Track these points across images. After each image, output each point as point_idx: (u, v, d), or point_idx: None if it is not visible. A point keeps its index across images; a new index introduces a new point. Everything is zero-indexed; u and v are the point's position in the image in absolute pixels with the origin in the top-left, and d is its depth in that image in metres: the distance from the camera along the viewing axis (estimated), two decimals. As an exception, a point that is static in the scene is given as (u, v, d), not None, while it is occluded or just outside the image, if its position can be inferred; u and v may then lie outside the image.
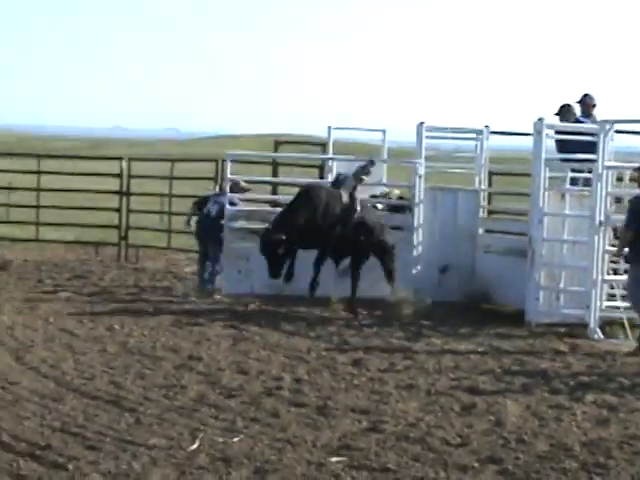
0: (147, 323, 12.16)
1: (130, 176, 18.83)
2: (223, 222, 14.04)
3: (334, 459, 7.05)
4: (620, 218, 11.89)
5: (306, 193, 13.39)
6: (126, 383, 9.11)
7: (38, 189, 19.15)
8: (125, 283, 15.49)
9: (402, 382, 9.44)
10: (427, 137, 14.51)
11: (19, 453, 6.91)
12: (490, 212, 15.48)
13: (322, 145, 17.11)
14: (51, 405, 8.23)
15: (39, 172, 19.33)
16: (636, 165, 12.04)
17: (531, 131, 12.96)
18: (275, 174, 17.47)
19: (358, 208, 13.39)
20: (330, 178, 14.52)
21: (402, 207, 14.76)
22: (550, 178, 13.01)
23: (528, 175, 13.28)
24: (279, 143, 18.52)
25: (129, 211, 18.81)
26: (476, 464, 7.01)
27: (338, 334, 11.86)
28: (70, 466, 6.66)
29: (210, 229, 14.26)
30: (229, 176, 14.23)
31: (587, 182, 12.88)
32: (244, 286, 14.00)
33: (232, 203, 14.22)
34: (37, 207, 19.05)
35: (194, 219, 14.99)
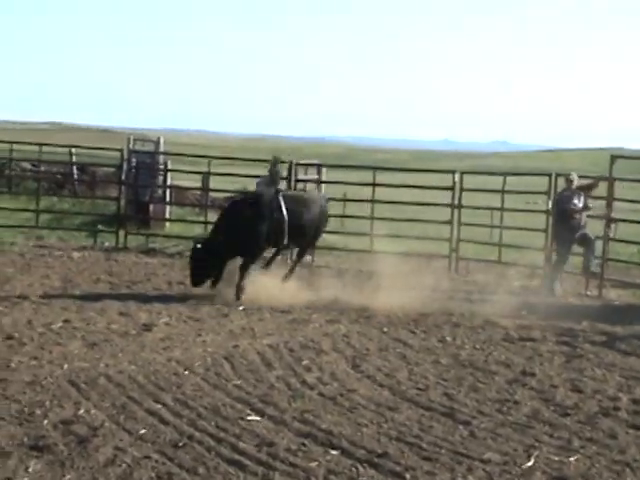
0: (479, 337, 12.18)
1: (462, 189, 18.96)
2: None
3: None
4: None
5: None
6: (459, 396, 9.16)
7: (373, 201, 19.62)
8: (456, 295, 15.57)
9: None
10: None
11: (358, 459, 7.10)
12: None
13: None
14: (387, 414, 8.40)
15: (374, 184, 19.81)
16: None
17: None
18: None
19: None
20: None
21: None
22: None
23: None
24: (615, 157, 17.95)
25: (460, 224, 18.93)
26: None
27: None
28: (407, 475, 6.77)
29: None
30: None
31: None
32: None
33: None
34: (371, 219, 19.52)
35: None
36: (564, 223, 16.05)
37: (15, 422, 7.55)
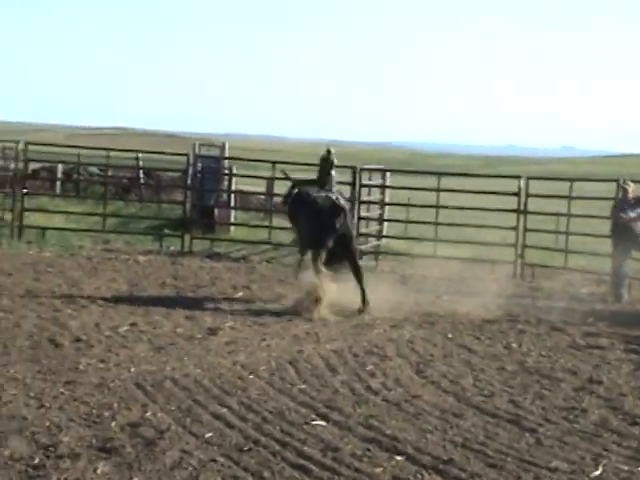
0: (545, 344, 12.08)
1: (528, 195, 18.84)
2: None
3: None
4: None
5: None
6: (525, 403, 9.08)
7: (437, 206, 19.57)
8: (521, 302, 15.45)
9: None
10: None
11: (423, 466, 7.06)
12: None
13: None
14: (452, 420, 8.35)
15: (438, 190, 19.75)
16: None
17: None
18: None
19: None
20: None
21: None
22: None
23: None
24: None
25: (526, 230, 18.80)
26: None
27: None
28: (473, 482, 6.73)
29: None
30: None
31: None
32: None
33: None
34: (436, 224, 19.47)
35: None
36: (620, 231, 15.88)
37: (84, 424, 7.65)
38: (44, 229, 20.46)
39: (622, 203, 16.13)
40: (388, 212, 22.35)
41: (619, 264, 15.96)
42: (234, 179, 23.15)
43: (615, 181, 17.22)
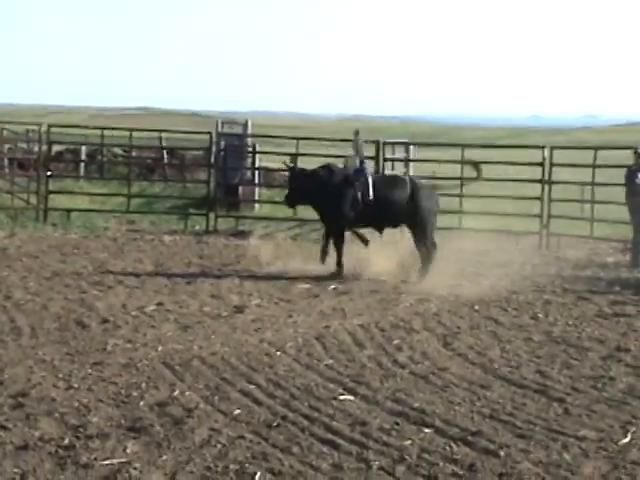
0: (571, 313, 12.05)
1: (552, 164, 18.74)
2: None
3: None
4: None
5: None
6: (552, 373, 9.07)
7: (461, 178, 19.47)
8: (547, 272, 15.40)
9: None
10: None
11: (451, 438, 7.07)
12: None
13: None
14: (479, 392, 8.35)
15: (462, 162, 19.65)
16: None
17: None
18: None
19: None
20: None
21: None
22: None
23: None
24: None
25: (551, 200, 18.71)
26: None
27: None
28: (502, 453, 6.72)
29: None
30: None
31: None
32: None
33: None
34: (460, 196, 19.38)
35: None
36: (634, 197, 15.78)
37: (112, 404, 7.70)
38: (69, 211, 20.55)
39: (634, 168, 16.07)
40: (412, 185, 22.21)
41: (636, 231, 15.89)
42: (257, 156, 23.15)
43: (634, 149, 17.08)
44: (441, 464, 6.51)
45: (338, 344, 10.06)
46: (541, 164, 18.84)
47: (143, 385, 8.25)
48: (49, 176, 20.93)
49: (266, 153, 23.91)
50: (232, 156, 21.93)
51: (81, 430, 7.00)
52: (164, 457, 6.54)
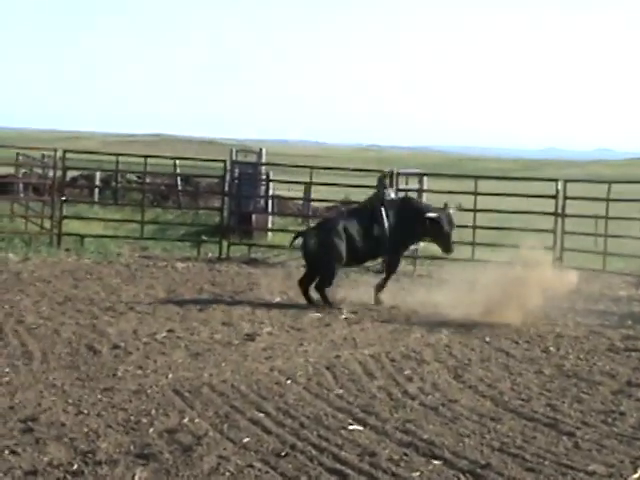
0: (582, 346, 12.01)
1: (565, 197, 18.75)
2: None
3: None
4: None
5: None
6: (563, 406, 9.03)
7: (475, 210, 19.49)
8: (559, 305, 15.31)
9: None
10: None
11: (460, 470, 7.05)
12: None
13: None
14: (489, 424, 8.32)
15: (476, 193, 19.68)
16: None
17: None
18: None
19: None
20: None
21: None
22: None
23: None
24: None
25: (564, 232, 18.71)
26: None
27: None
28: (510, 487, 6.71)
29: None
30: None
31: None
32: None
33: None
34: (473, 227, 19.39)
35: None
36: None
37: (122, 430, 7.70)
38: (83, 236, 20.62)
39: None
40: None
41: None
42: (271, 184, 23.22)
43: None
44: (449, 496, 6.49)
45: (348, 374, 10.05)
46: (554, 197, 18.85)
47: (153, 412, 8.25)
48: (64, 201, 21.02)
49: (280, 182, 23.97)
50: (246, 184, 22.02)
51: (90, 456, 7.01)
52: (172, 484, 6.54)
